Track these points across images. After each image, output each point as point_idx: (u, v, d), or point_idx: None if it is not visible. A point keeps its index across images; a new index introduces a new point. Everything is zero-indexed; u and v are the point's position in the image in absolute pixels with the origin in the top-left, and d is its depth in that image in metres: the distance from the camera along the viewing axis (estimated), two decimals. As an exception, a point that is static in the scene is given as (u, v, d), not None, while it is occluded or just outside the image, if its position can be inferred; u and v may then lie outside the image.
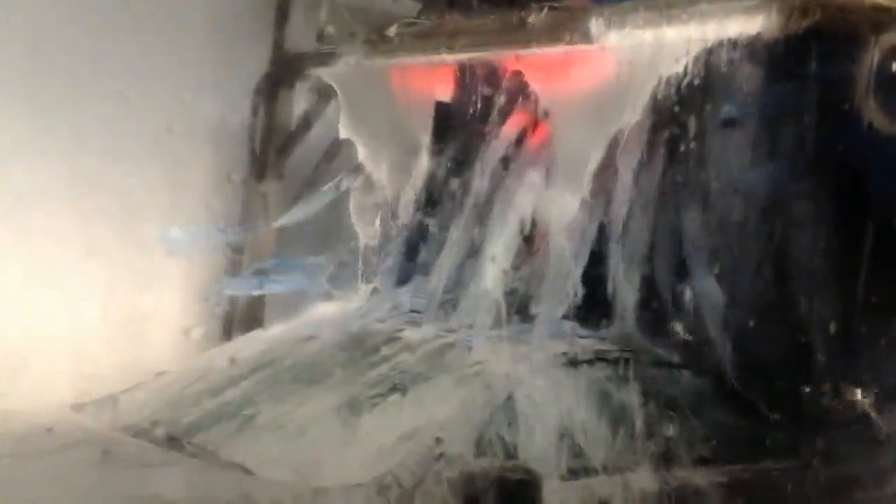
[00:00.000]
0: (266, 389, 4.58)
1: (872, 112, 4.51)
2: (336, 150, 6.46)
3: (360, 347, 4.78)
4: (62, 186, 5.51)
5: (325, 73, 6.02)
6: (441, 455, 3.96)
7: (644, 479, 4.32)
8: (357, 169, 5.87)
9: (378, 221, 5.82)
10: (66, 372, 5.42)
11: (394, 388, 4.38)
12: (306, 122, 6.52)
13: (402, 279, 5.56)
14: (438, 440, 3.99)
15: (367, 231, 5.84)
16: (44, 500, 3.68)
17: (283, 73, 6.47)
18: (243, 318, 6.36)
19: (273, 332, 5.30)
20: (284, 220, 6.11)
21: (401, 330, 4.86)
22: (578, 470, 4.23)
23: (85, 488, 3.78)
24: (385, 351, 4.66)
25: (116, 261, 5.75)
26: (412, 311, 5.21)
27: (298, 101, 6.53)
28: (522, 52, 5.13)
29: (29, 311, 5.46)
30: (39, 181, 5.41)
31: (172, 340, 5.92)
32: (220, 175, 6.30)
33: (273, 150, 6.50)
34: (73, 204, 5.56)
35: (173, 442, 4.28)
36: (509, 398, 4.25)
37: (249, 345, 5.13)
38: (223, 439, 4.26)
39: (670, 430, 4.50)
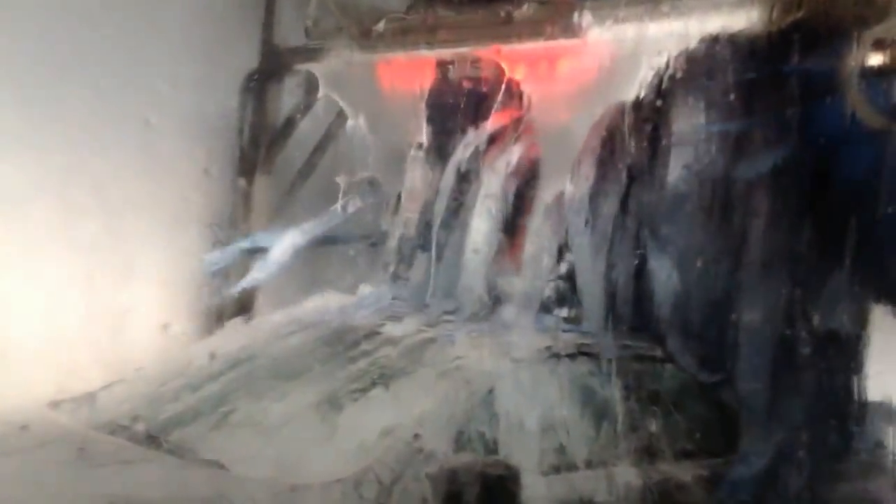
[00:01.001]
0: (244, 385, 4.54)
1: (858, 104, 4.47)
2: (325, 146, 6.45)
3: (340, 342, 4.75)
4: (42, 181, 5.46)
5: (314, 69, 6.01)
6: (420, 450, 3.95)
7: (626, 473, 4.33)
8: (365, 191, 5.84)
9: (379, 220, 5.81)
10: (45, 367, 5.37)
11: (374, 383, 4.36)
12: (295, 118, 6.48)
13: (394, 276, 5.55)
14: (416, 436, 3.98)
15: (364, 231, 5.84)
16: (17, 499, 3.65)
17: (271, 67, 6.44)
18: (235, 312, 6.33)
19: (254, 325, 5.29)
20: (288, 241, 6.00)
21: (382, 325, 4.84)
22: (560, 465, 4.23)
23: (59, 487, 3.75)
24: (366, 346, 4.64)
25: (96, 255, 5.71)
26: (397, 306, 5.20)
27: (287, 97, 6.50)
28: (506, 46, 5.12)
29: (8, 305, 5.43)
30: (18, 175, 5.37)
31: (153, 335, 5.88)
32: (206, 171, 6.28)
33: (262, 146, 6.47)
34: (52, 198, 5.52)
35: (150, 439, 4.24)
36: (490, 393, 4.24)
37: (230, 339, 5.10)
38: (201, 436, 4.22)
39: (653, 425, 4.50)
